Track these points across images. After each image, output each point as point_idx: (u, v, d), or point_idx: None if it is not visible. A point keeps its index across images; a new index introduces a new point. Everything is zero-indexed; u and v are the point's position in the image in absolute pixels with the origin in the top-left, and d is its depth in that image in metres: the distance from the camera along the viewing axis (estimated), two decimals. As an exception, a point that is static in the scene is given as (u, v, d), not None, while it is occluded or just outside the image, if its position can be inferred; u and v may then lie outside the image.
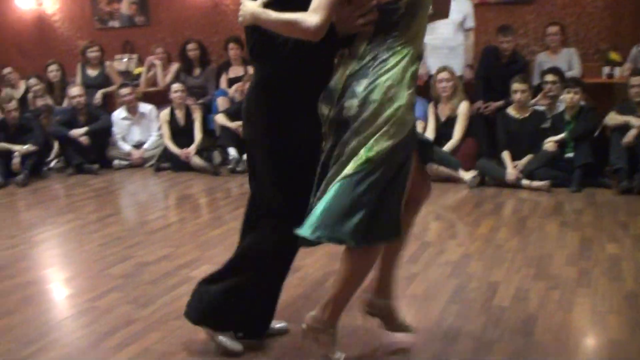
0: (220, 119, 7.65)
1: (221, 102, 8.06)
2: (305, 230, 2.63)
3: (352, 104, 2.59)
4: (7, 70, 9.03)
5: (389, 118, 2.56)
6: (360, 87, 2.59)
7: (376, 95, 2.57)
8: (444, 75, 6.65)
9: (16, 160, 7.34)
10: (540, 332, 3.14)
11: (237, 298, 2.95)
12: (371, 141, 2.56)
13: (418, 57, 2.66)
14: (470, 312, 3.41)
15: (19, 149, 7.40)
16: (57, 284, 4.19)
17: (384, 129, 2.56)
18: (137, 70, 9.17)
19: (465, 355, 2.93)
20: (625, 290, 3.63)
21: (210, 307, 2.98)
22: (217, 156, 7.54)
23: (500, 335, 3.12)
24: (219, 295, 2.96)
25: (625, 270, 3.95)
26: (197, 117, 7.75)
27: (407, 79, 2.61)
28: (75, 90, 7.90)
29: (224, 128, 7.60)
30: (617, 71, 7.15)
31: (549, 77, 6.57)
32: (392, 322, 3.05)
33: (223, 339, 3.03)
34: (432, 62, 7.17)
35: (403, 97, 2.59)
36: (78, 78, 8.68)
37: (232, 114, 7.64)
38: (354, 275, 2.74)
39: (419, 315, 3.41)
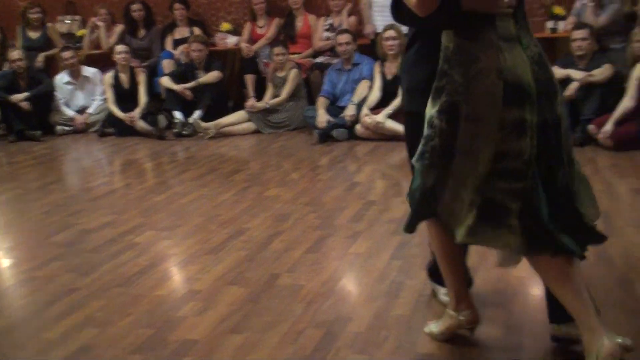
0: (166, 81, 7.53)
1: (166, 65, 7.93)
2: None
3: (560, 100, 2.30)
4: (-55, 34, 8.74)
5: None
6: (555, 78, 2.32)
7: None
8: (390, 33, 6.62)
9: (-44, 128, 7.17)
10: (479, 284, 3.18)
11: None
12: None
13: None
14: (412, 268, 3.45)
15: (-41, 116, 7.22)
16: (-2, 253, 4.13)
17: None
18: (80, 32, 8.93)
19: (406, 310, 2.98)
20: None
21: None
22: (162, 120, 7.44)
23: (441, 290, 3.17)
24: None
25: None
26: (142, 80, 7.62)
27: None
28: (15, 54, 7.69)
29: (170, 91, 7.49)
30: (561, 25, 7.22)
31: (494, 33, 6.58)
32: None
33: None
34: (379, 21, 7.16)
35: None
36: (18, 41, 8.43)
37: (177, 77, 7.54)
38: None
39: (362, 272, 3.45)
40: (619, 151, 5.56)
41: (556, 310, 2.47)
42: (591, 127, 5.81)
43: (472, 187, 2.25)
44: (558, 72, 6.19)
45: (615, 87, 6.07)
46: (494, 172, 2.21)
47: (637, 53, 5.88)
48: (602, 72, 6.03)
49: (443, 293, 2.92)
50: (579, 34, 6.16)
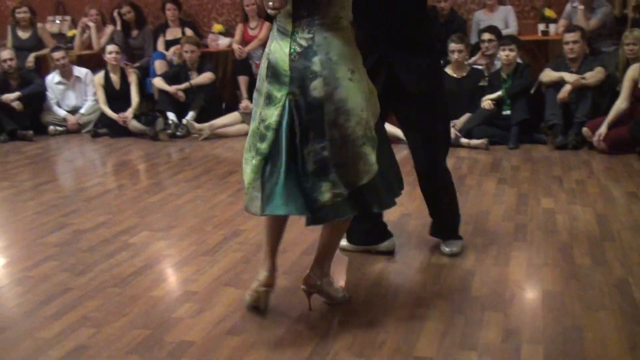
0: (159, 82, 7.50)
1: (159, 65, 7.90)
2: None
3: (317, 84, 2.66)
4: None
5: (365, 94, 2.75)
6: (317, 67, 2.66)
7: (340, 74, 2.67)
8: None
9: (-54, 128, 7.11)
10: (477, 287, 3.20)
11: None
12: (365, 119, 2.73)
13: (351, 24, 2.78)
14: (409, 270, 3.46)
15: (-50, 115, 7.16)
16: (-9, 253, 4.09)
17: (365, 105, 2.74)
18: (70, 33, 8.90)
19: (404, 312, 2.97)
20: (560, 243, 3.72)
21: None
22: (160, 123, 7.41)
23: (439, 292, 3.17)
24: None
25: (560, 223, 4.04)
26: (133, 80, 7.58)
27: (354, 48, 2.77)
28: (5, 53, 7.63)
29: (163, 92, 7.46)
30: (552, 28, 7.25)
31: (486, 36, 6.62)
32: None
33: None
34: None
35: (359, 66, 2.77)
36: (9, 40, 8.38)
37: (170, 78, 7.50)
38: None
39: (359, 274, 3.44)
40: (613, 154, 5.58)
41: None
42: (585, 130, 5.84)
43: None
44: (551, 74, 6.23)
45: (607, 90, 6.11)
46: (253, 132, 2.81)
47: (629, 56, 5.92)
48: (594, 75, 6.06)
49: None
50: (570, 36, 6.18)
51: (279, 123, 2.71)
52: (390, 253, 3.62)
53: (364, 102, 2.73)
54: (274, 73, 2.72)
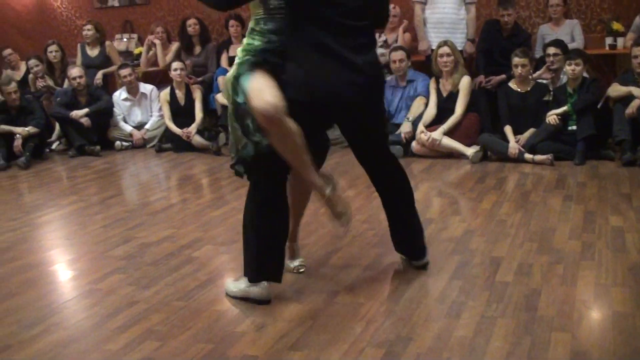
0: (221, 98, 7.60)
1: (222, 81, 8.00)
2: None
3: None
4: (7, 51, 8.99)
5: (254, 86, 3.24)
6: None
7: (239, 71, 3.35)
8: (445, 50, 6.58)
9: (18, 143, 7.35)
10: (543, 307, 3.13)
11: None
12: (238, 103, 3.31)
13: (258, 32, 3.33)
14: (473, 288, 3.40)
15: (21, 131, 7.40)
16: (60, 266, 4.19)
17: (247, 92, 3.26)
18: (137, 50, 9.12)
19: (469, 331, 2.93)
20: (630, 262, 3.62)
21: None
22: (222, 138, 7.51)
23: (504, 311, 3.11)
24: None
25: (629, 242, 3.93)
26: (198, 96, 7.71)
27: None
28: (75, 71, 7.85)
29: (225, 107, 7.55)
30: (620, 42, 7.09)
31: (551, 50, 6.50)
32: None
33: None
34: (433, 37, 7.10)
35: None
36: (78, 59, 8.63)
37: (233, 93, 7.58)
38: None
39: (422, 291, 3.41)
40: (684, 171, 5.42)
41: None
42: (655, 147, 5.68)
43: None
44: (620, 89, 6.07)
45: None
46: None
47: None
48: (664, 90, 5.89)
49: None
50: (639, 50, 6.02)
51: None
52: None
53: (244, 92, 3.21)
54: None
